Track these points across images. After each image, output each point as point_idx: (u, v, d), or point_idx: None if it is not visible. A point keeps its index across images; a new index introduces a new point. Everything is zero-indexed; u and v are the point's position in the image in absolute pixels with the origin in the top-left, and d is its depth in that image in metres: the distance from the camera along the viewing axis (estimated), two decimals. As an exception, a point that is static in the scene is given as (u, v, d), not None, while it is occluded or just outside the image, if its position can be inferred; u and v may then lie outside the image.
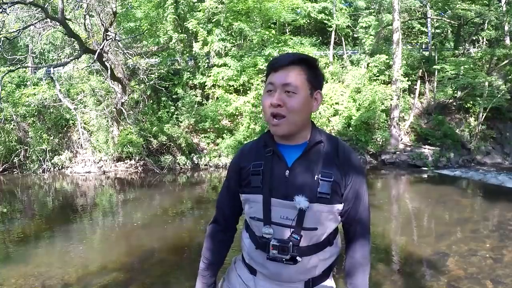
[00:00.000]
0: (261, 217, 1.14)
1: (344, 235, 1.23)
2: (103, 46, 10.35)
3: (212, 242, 1.33)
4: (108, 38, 10.48)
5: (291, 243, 1.08)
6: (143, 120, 12.34)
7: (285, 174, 1.13)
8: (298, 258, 1.09)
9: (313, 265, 1.14)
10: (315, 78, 1.16)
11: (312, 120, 1.22)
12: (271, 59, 1.19)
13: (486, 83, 12.09)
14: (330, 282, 1.22)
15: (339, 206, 1.13)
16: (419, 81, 14.13)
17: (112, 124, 11.93)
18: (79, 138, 11.75)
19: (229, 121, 13.13)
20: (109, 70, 10.41)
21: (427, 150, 11.87)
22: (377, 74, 13.17)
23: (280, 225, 1.11)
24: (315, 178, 1.11)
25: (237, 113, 12.89)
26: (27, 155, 11.87)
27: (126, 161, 11.73)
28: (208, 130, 12.66)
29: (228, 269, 1.37)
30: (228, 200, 1.30)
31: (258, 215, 1.15)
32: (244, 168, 1.21)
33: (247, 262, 1.25)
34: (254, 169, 1.17)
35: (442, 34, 18.04)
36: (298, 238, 1.09)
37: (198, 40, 13.23)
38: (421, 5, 15.68)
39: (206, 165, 11.86)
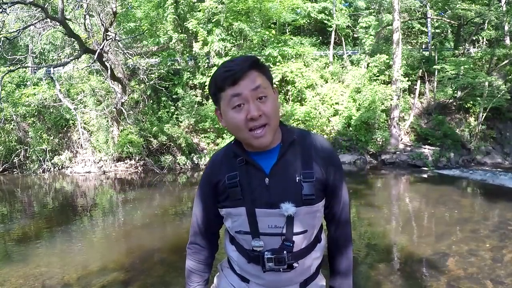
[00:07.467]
0: (248, 230, 1.08)
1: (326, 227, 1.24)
2: (103, 46, 10.34)
3: (194, 263, 1.23)
4: (108, 38, 10.47)
5: (285, 251, 1.05)
6: (143, 120, 12.33)
7: (265, 182, 1.07)
8: (295, 264, 1.07)
9: (308, 266, 1.14)
10: (270, 75, 1.10)
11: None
12: (217, 73, 1.04)
13: (486, 83, 12.07)
14: (320, 278, 1.22)
15: (323, 202, 1.13)
16: (419, 81, 14.13)
17: (112, 124, 11.92)
18: (79, 138, 11.75)
19: (229, 121, 13.12)
20: (109, 70, 10.40)
21: (427, 150, 11.86)
22: (377, 74, 13.16)
23: (269, 235, 1.06)
24: (297, 181, 1.06)
25: (237, 113, 12.88)
26: (27, 155, 11.87)
27: (126, 161, 11.73)
28: (208, 130, 12.66)
29: (216, 276, 1.30)
30: (205, 217, 1.20)
31: (244, 228, 1.09)
32: (219, 182, 1.12)
33: (239, 273, 1.19)
34: (230, 182, 1.09)
35: (442, 34, 18.04)
36: (291, 245, 1.06)
37: (198, 40, 13.22)
38: (421, 5, 15.67)
39: (206, 165, 11.84)
